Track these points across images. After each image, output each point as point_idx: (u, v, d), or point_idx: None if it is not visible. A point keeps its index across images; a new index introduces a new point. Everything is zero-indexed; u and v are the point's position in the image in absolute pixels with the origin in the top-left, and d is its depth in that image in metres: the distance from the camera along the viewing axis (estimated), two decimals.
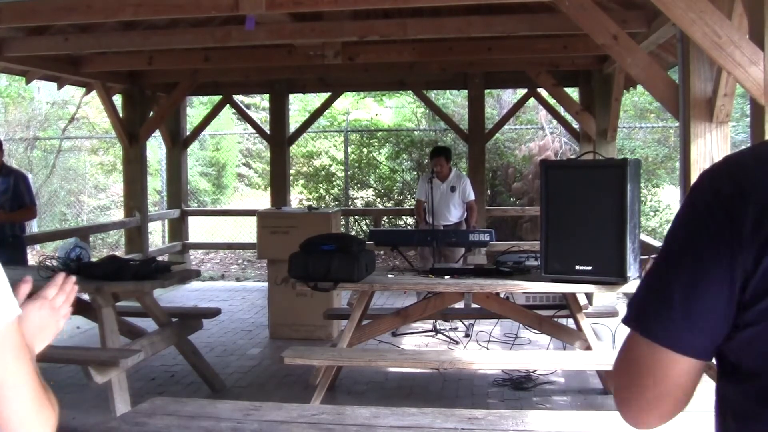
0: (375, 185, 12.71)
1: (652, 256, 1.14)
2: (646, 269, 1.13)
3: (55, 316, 1.25)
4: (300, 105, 14.60)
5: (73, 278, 1.32)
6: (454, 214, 6.77)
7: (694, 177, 3.72)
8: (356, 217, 11.99)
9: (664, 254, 0.95)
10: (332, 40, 6.06)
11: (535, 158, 10.78)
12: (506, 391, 4.82)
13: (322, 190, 12.71)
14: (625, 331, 1.01)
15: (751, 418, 0.90)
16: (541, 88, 8.28)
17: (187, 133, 9.77)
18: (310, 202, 11.62)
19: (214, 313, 5.29)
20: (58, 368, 4.96)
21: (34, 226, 11.72)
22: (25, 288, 1.21)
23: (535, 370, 4.94)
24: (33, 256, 9.92)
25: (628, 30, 4.71)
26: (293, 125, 9.59)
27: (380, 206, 12.18)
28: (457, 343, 6.00)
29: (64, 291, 1.28)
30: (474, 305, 5.25)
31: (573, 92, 8.57)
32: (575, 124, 8.56)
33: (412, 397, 4.71)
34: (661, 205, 11.16)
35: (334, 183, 12.78)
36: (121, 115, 8.31)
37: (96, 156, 14.77)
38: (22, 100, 13.85)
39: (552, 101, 8.86)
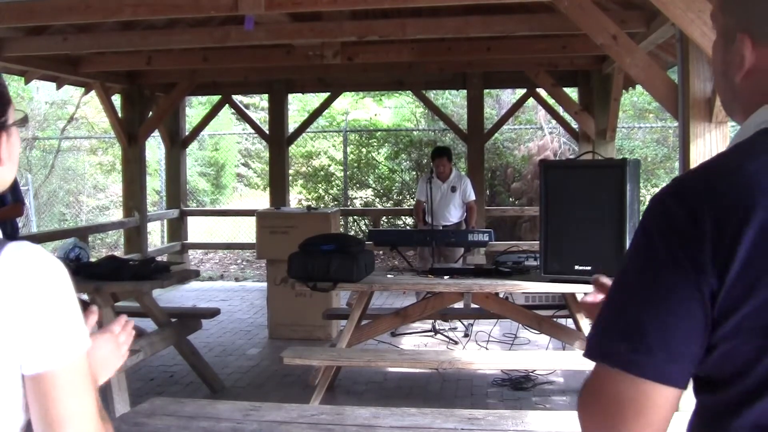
0: (374, 185, 12.71)
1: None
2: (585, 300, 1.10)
3: (118, 351, 1.32)
4: (299, 105, 14.58)
5: (133, 322, 1.42)
6: (455, 215, 6.76)
7: None
8: (355, 217, 11.98)
9: (625, 284, 0.93)
10: (331, 40, 6.05)
11: (534, 158, 10.78)
12: (505, 392, 4.82)
13: (321, 190, 12.70)
14: None
15: (726, 421, 0.89)
16: (540, 88, 8.28)
17: (186, 133, 9.76)
18: (309, 202, 11.61)
19: (213, 313, 5.29)
20: None
21: (33, 227, 11.73)
22: (93, 318, 1.25)
23: (535, 370, 4.94)
24: None
25: (627, 30, 4.70)
26: (292, 125, 9.58)
27: (379, 206, 12.18)
28: (456, 343, 6.00)
29: (126, 330, 1.36)
30: (473, 305, 5.25)
31: (572, 92, 8.57)
32: (574, 124, 8.56)
33: (411, 397, 4.71)
34: None
35: (333, 183, 12.78)
36: (120, 115, 8.29)
37: (95, 156, 14.76)
38: (21, 100, 13.83)
39: (551, 101, 8.86)
